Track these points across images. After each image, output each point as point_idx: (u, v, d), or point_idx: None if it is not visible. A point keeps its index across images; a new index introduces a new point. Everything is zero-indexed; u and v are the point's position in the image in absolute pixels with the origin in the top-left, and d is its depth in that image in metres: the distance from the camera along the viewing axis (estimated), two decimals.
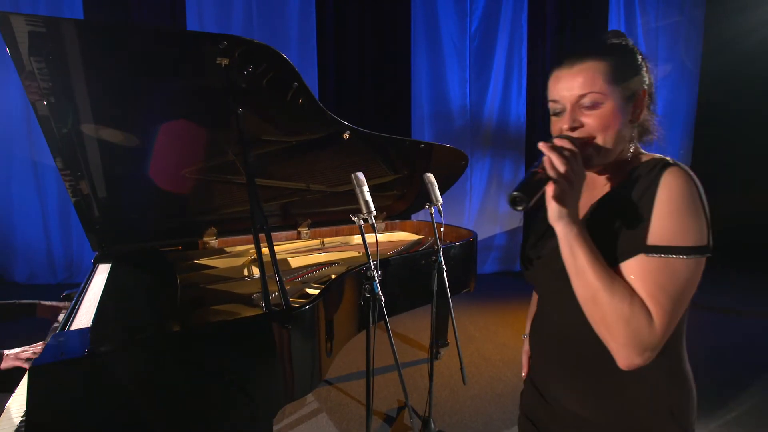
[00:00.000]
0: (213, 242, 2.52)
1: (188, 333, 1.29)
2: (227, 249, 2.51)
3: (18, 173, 4.81)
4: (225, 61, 1.47)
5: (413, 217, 3.49)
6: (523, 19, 5.41)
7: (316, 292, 1.92)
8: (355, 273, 1.87)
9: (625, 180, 0.84)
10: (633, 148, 0.86)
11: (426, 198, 3.30)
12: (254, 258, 2.33)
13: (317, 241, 2.78)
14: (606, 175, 0.88)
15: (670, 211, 0.73)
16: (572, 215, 0.76)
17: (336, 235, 2.96)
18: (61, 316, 1.95)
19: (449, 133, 5.33)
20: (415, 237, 3.08)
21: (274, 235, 2.71)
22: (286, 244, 2.68)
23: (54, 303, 1.98)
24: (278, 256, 2.41)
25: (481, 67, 5.42)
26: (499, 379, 2.91)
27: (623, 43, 0.85)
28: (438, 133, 5.34)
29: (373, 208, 1.57)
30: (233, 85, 1.60)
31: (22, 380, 1.52)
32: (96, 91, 1.57)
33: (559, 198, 0.75)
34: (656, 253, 0.73)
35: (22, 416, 1.27)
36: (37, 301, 1.97)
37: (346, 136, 2.09)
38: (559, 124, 0.83)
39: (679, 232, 0.73)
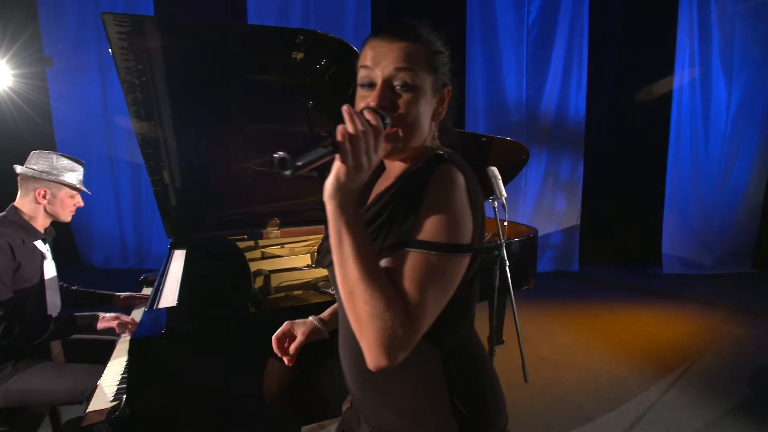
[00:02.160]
0: (275, 232, 2.61)
1: (267, 314, 1.35)
2: (290, 239, 2.59)
3: (95, 168, 5.21)
4: (300, 55, 1.53)
5: None
6: (585, 9, 5.18)
7: None
8: None
9: (407, 173, 0.81)
10: (431, 144, 0.84)
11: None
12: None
13: None
14: (399, 167, 0.84)
15: (434, 207, 0.71)
16: (347, 198, 0.67)
17: None
18: (138, 307, 2.11)
19: (504, 127, 5.21)
20: None
21: None
22: None
23: (130, 294, 2.14)
24: None
25: (538, 60, 5.26)
26: (558, 382, 2.83)
27: (438, 38, 0.83)
28: (492, 127, 5.23)
29: None
30: (305, 79, 1.65)
31: (113, 352, 1.66)
32: (179, 86, 1.67)
33: (339, 175, 0.66)
34: (415, 248, 0.70)
35: (117, 383, 1.39)
36: (114, 293, 2.13)
37: None
38: (366, 100, 0.77)
39: (439, 228, 0.70)
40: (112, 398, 1.31)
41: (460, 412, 0.80)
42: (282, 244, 2.47)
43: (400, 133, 0.77)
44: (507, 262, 2.01)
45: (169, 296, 1.54)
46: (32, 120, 4.81)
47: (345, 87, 1.82)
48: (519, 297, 2.41)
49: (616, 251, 5.66)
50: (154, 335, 1.15)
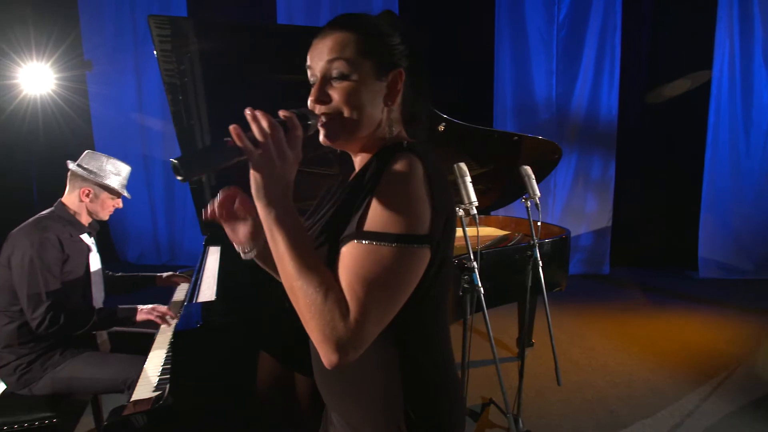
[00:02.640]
0: None
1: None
2: None
3: (131, 166, 5.38)
4: None
5: (491, 213, 3.41)
6: (618, 4, 5.04)
7: None
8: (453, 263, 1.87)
9: (367, 163, 0.79)
10: (395, 132, 0.80)
11: (511, 194, 3.21)
12: None
13: None
14: (363, 158, 0.83)
15: (386, 197, 0.68)
16: (270, 197, 0.67)
17: None
18: (180, 288, 2.18)
19: (533, 127, 5.13)
20: (501, 232, 3.02)
21: None
22: None
23: (170, 273, 2.23)
24: None
25: (569, 58, 5.15)
26: (589, 385, 2.76)
27: (380, 23, 0.80)
28: (521, 127, 5.16)
29: (474, 198, 1.56)
30: None
31: (153, 344, 1.71)
32: (217, 85, 1.72)
33: (254, 175, 0.66)
34: (364, 239, 0.67)
35: (158, 374, 1.43)
36: (155, 274, 2.23)
37: (441, 128, 2.09)
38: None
39: (391, 218, 0.66)
40: (154, 388, 1.35)
41: (412, 420, 0.76)
42: None
43: (342, 123, 0.76)
44: (540, 262, 1.98)
45: (207, 291, 1.59)
46: (73, 121, 5.01)
47: None
48: (549, 299, 2.37)
49: (650, 254, 5.49)
50: (193, 328, 1.18)
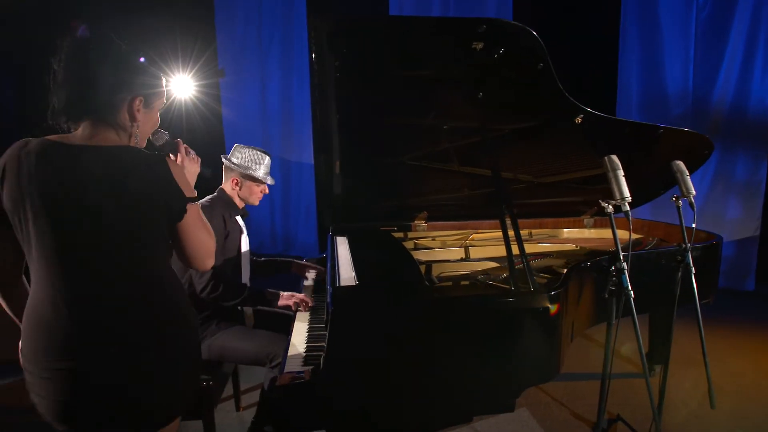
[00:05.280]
0: (423, 225, 2.68)
1: (452, 300, 1.38)
2: (438, 232, 2.63)
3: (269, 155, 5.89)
4: (479, 45, 1.52)
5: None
6: None
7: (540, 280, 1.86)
8: (597, 264, 1.76)
9: None
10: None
11: (645, 194, 2.92)
12: (470, 241, 2.38)
13: (524, 232, 2.71)
14: None
15: None
16: None
17: (540, 227, 2.85)
18: (310, 274, 2.32)
19: (664, 122, 4.57)
20: (633, 236, 2.76)
21: (479, 222, 2.75)
22: (493, 232, 2.68)
23: (304, 262, 2.39)
24: (490, 244, 2.42)
25: (711, 44, 4.54)
26: (743, 416, 2.41)
27: None
28: (649, 121, 4.67)
29: (627, 193, 1.44)
30: (480, 69, 1.64)
31: (294, 323, 1.84)
32: (357, 83, 1.78)
33: None
34: None
35: (304, 349, 1.54)
36: (291, 260, 2.40)
37: (579, 120, 1.96)
38: None
39: None
40: (303, 362, 1.46)
41: None
42: (433, 237, 2.51)
43: None
44: (693, 269, 1.77)
45: (346, 275, 1.66)
46: (209, 122, 5.65)
47: (526, 75, 1.73)
48: (682, 315, 2.10)
49: None
50: (348, 306, 1.25)
